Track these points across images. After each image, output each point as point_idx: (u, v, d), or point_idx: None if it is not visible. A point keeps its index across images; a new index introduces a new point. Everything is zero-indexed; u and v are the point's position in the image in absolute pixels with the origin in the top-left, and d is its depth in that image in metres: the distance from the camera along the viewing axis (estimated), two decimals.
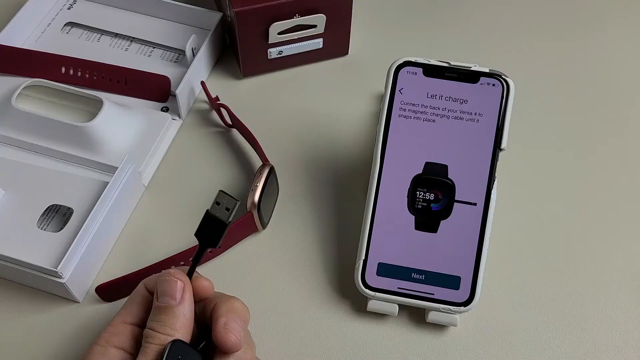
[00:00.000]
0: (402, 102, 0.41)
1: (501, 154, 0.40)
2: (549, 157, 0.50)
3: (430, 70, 0.41)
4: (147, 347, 0.31)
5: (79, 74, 0.51)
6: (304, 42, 0.52)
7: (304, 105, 0.53)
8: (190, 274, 0.34)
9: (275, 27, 0.50)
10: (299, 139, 0.50)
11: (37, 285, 0.42)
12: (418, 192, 0.40)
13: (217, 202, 0.33)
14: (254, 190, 0.42)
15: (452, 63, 0.41)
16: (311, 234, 0.45)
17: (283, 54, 0.53)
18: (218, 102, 0.50)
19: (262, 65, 0.53)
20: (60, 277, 0.39)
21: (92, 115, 0.47)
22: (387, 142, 0.40)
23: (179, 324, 0.32)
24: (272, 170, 0.44)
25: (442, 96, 0.40)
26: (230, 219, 0.33)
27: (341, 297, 0.43)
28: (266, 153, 0.46)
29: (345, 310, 0.42)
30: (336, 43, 0.54)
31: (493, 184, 0.40)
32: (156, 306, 0.33)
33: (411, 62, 0.41)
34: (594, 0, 0.61)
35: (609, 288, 0.43)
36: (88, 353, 0.33)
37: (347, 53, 0.56)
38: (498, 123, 0.40)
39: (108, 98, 0.48)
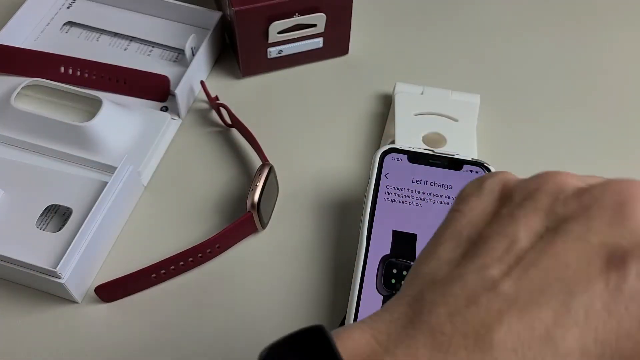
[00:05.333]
0: (387, 186, 0.41)
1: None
2: (552, 157, 0.50)
3: (415, 157, 0.42)
4: None
5: (78, 73, 0.51)
6: (304, 42, 0.52)
7: (304, 105, 0.52)
8: None
9: (275, 27, 0.50)
10: (298, 139, 0.50)
11: (36, 286, 0.42)
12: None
13: None
14: (254, 190, 0.42)
15: (435, 151, 0.42)
16: (311, 233, 0.45)
17: (283, 54, 0.52)
18: (217, 101, 0.50)
19: (262, 64, 0.53)
20: (59, 277, 0.39)
21: (91, 114, 0.46)
22: (373, 225, 0.40)
23: None
24: (271, 170, 0.44)
25: (427, 181, 0.41)
26: None
27: (340, 298, 0.42)
28: (266, 153, 0.46)
29: (344, 310, 0.42)
30: (336, 42, 0.54)
31: None
32: None
33: (396, 149, 0.42)
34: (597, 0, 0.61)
35: None
36: None
37: (347, 52, 0.55)
38: None
39: (107, 97, 0.48)
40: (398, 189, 0.41)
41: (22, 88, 0.48)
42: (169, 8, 0.55)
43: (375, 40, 0.57)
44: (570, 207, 0.21)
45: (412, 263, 0.39)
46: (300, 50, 0.53)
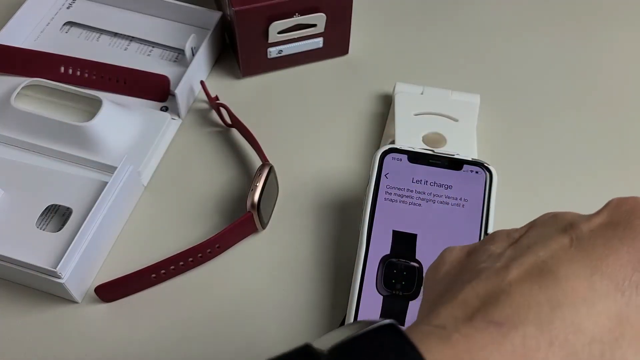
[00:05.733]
0: (387, 186, 0.41)
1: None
2: (550, 161, 0.50)
3: (415, 157, 0.42)
4: None
5: (78, 73, 0.51)
6: (304, 42, 0.52)
7: (304, 105, 0.52)
8: None
9: (275, 26, 0.50)
10: (298, 139, 0.50)
11: (36, 285, 0.42)
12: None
13: None
14: (254, 190, 0.42)
15: (435, 151, 0.42)
16: (311, 233, 0.45)
17: (283, 54, 0.52)
18: (217, 101, 0.50)
19: (262, 64, 0.53)
20: (59, 277, 0.39)
21: (91, 114, 0.46)
22: (373, 225, 0.40)
23: None
24: (271, 170, 0.44)
25: (427, 181, 0.41)
26: None
27: (340, 298, 0.42)
28: (266, 153, 0.46)
29: (344, 310, 0.42)
30: (336, 42, 0.54)
31: None
32: None
33: (396, 149, 0.42)
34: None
35: None
36: None
37: (347, 52, 0.55)
38: (483, 209, 0.40)
39: (107, 97, 0.48)
40: (398, 189, 0.41)
41: (22, 88, 0.48)
42: (169, 8, 0.55)
43: (375, 40, 0.57)
44: (521, 232, 0.26)
45: (412, 263, 0.39)
46: (300, 50, 0.53)
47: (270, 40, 0.51)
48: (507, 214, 0.46)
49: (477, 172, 0.41)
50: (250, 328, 0.41)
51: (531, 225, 0.26)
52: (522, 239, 0.25)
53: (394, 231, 0.40)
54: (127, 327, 0.41)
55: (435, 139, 0.46)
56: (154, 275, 0.42)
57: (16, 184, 0.44)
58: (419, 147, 0.43)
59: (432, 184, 0.41)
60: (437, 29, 0.58)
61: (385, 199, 0.41)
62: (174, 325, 0.41)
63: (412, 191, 0.41)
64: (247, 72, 0.54)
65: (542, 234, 0.25)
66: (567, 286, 0.22)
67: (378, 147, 0.47)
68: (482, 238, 0.40)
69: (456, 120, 0.47)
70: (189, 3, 0.54)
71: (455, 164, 0.42)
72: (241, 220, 0.42)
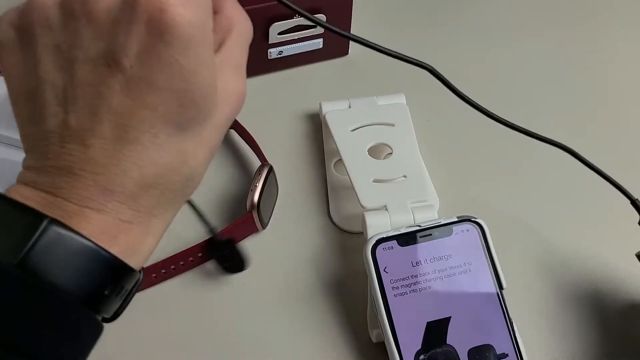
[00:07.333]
0: (392, 281, 0.38)
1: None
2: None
3: (404, 239, 0.39)
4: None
5: None
6: (304, 42, 0.52)
7: (304, 106, 0.52)
8: None
9: (276, 27, 0.50)
10: (298, 139, 0.50)
11: None
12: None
13: None
14: (254, 191, 0.42)
15: (422, 225, 0.40)
16: (311, 233, 0.45)
17: (283, 54, 0.53)
18: None
19: (262, 65, 0.53)
20: None
21: None
22: (395, 327, 0.37)
23: None
24: (271, 170, 0.44)
25: (426, 260, 0.39)
26: None
27: (340, 299, 0.43)
28: (266, 153, 0.46)
29: (344, 309, 0.42)
30: (336, 43, 0.54)
31: (514, 327, 0.37)
32: None
33: (383, 238, 0.39)
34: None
35: None
36: None
37: (347, 53, 0.55)
38: (488, 263, 0.39)
39: None
40: (402, 279, 0.39)
41: None
42: None
43: (375, 40, 0.57)
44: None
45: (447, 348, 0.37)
46: (300, 51, 0.53)
47: (271, 41, 0.51)
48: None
49: (468, 230, 0.40)
50: (249, 327, 0.41)
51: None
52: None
53: (427, 323, 0.38)
54: (126, 327, 0.41)
55: (380, 149, 0.46)
56: (154, 275, 0.42)
57: None
58: (404, 228, 0.40)
59: (431, 260, 0.39)
60: (438, 29, 0.58)
61: (395, 296, 0.38)
62: (174, 324, 0.41)
63: (416, 276, 0.39)
64: (247, 73, 0.54)
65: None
66: None
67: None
68: (498, 291, 0.38)
69: (392, 125, 0.47)
70: None
71: (444, 230, 0.40)
72: (241, 220, 0.43)
